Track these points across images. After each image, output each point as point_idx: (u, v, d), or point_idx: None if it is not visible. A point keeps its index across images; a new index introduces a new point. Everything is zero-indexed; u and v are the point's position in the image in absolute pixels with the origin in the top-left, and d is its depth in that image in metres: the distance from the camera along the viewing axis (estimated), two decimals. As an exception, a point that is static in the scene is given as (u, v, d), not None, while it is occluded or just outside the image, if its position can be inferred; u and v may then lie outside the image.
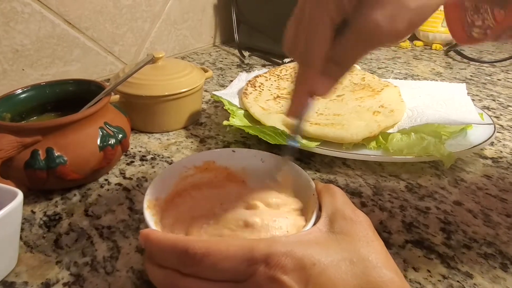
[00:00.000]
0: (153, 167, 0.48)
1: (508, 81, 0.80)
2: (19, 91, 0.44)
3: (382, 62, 0.93)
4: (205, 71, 0.60)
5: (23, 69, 0.65)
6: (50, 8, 0.65)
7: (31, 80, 0.66)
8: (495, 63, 0.91)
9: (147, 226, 0.28)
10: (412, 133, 0.47)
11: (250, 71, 0.72)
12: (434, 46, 1.06)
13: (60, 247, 0.35)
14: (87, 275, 0.32)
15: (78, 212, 0.39)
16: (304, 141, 0.47)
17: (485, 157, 0.51)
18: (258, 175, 0.37)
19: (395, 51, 1.04)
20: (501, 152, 0.52)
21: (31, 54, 0.65)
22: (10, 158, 0.36)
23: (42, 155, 0.38)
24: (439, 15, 1.03)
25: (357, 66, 0.71)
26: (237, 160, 0.38)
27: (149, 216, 0.29)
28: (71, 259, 0.33)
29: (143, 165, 0.48)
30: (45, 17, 0.65)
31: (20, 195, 0.30)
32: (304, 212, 0.32)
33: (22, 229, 0.36)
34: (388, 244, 0.35)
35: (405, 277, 0.32)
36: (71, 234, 0.36)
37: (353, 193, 0.43)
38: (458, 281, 0.32)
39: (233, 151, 0.38)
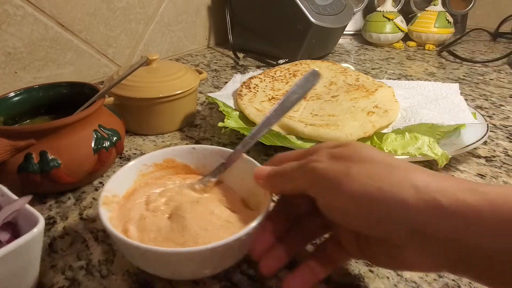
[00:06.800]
0: (148, 169, 0.47)
1: (500, 81, 0.81)
2: (12, 94, 0.44)
3: (376, 63, 0.94)
4: (200, 72, 0.60)
5: (15, 72, 0.64)
6: (43, 11, 0.65)
7: (24, 83, 0.66)
8: (487, 63, 0.92)
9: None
10: (406, 133, 0.47)
11: (245, 73, 0.72)
12: (427, 46, 1.07)
13: (54, 251, 0.34)
14: (82, 279, 0.32)
15: (72, 216, 0.39)
16: (299, 142, 0.47)
17: (479, 156, 0.51)
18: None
19: (389, 51, 1.05)
20: (494, 151, 0.53)
21: (23, 57, 0.65)
22: (3, 162, 0.36)
23: (35, 158, 0.37)
24: (432, 16, 1.04)
25: (351, 67, 0.71)
26: (198, 158, 0.38)
27: (103, 212, 0.29)
28: (66, 263, 0.33)
29: (138, 167, 0.48)
30: (38, 19, 0.65)
31: (41, 222, 0.28)
32: (256, 206, 0.33)
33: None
34: (383, 244, 0.36)
35: (401, 276, 0.32)
36: (65, 238, 0.36)
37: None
38: (453, 280, 0.32)
39: (193, 148, 0.38)
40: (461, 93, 0.58)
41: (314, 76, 0.39)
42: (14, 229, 0.30)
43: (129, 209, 0.33)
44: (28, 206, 0.30)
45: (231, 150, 0.37)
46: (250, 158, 0.36)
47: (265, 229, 0.29)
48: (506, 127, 0.60)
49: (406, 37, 1.11)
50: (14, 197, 0.31)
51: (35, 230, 0.27)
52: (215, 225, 0.31)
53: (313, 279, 0.29)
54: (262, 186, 0.31)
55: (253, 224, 0.28)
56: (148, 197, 0.35)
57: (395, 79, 0.80)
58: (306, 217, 0.31)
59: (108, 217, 0.30)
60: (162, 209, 0.34)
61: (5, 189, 0.32)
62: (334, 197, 0.24)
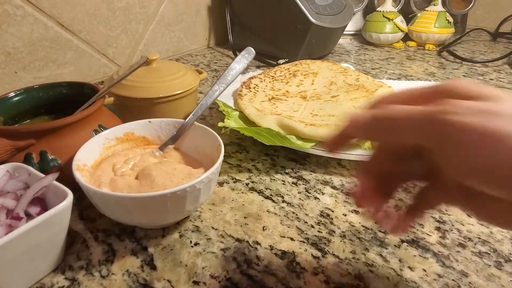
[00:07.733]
0: (148, 169, 0.47)
1: (500, 81, 0.81)
2: (12, 94, 0.44)
3: (376, 63, 0.94)
4: (200, 72, 0.60)
5: (15, 72, 0.64)
6: (42, 11, 0.65)
7: (24, 83, 0.66)
8: (487, 63, 0.92)
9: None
10: (406, 133, 0.47)
11: (245, 73, 0.72)
12: (427, 46, 1.07)
13: (54, 251, 0.34)
14: (82, 279, 0.32)
15: (72, 216, 0.39)
16: (299, 142, 0.47)
17: (479, 156, 0.51)
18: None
19: (389, 51, 1.05)
20: (494, 151, 0.53)
21: (23, 57, 0.65)
22: (3, 161, 0.36)
23: (35, 158, 0.37)
24: (432, 16, 1.04)
25: (351, 67, 0.71)
26: (154, 129, 0.44)
27: (79, 176, 0.33)
28: (66, 263, 0.33)
29: (138, 167, 0.48)
30: (38, 19, 0.65)
31: (70, 196, 0.30)
32: (211, 165, 0.35)
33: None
34: (383, 244, 0.36)
35: (401, 276, 0.32)
36: (65, 238, 0.36)
37: (348, 193, 0.43)
38: (453, 280, 0.32)
39: (149, 121, 0.44)
40: (461, 93, 0.58)
41: (249, 53, 0.46)
42: (42, 204, 0.32)
43: (99, 176, 0.37)
44: (56, 182, 0.32)
45: (184, 121, 0.42)
46: (201, 125, 0.41)
47: (364, 176, 0.27)
48: (506, 127, 0.60)
49: (406, 37, 1.11)
50: (41, 175, 0.33)
51: (64, 203, 0.29)
52: (179, 178, 0.36)
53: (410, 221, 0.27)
54: (355, 135, 0.26)
55: (208, 172, 0.32)
56: (114, 165, 0.39)
57: (395, 79, 0.80)
58: (407, 161, 0.26)
59: (84, 181, 0.32)
60: (129, 173, 0.38)
61: (31, 169, 0.34)
62: (486, 159, 0.18)
